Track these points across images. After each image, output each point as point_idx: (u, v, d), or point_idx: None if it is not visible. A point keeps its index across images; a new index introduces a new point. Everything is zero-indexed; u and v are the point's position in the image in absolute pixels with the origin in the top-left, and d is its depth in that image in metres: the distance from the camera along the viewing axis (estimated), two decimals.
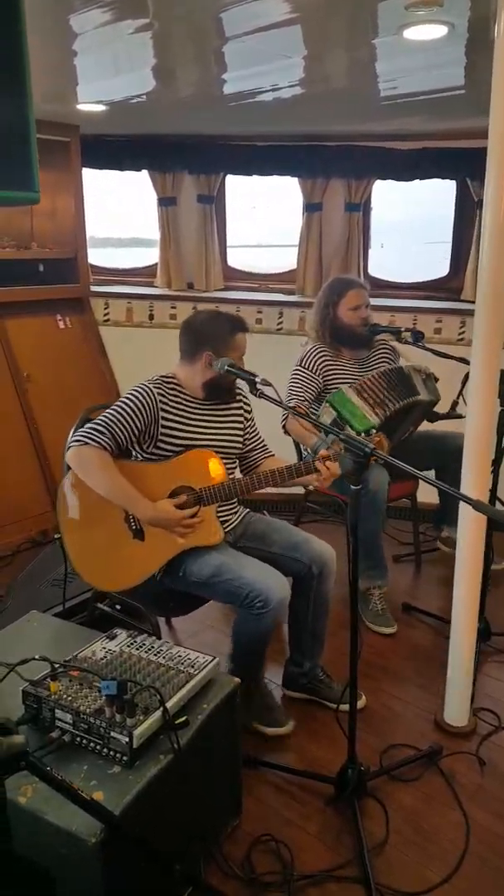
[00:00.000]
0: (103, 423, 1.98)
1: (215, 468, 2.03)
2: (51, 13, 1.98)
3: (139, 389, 2.05)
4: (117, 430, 1.98)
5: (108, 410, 2.03)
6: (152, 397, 2.04)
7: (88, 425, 2.00)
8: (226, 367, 1.98)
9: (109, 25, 2.06)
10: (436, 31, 2.01)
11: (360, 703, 2.22)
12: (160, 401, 2.05)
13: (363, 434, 2.36)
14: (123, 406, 2.02)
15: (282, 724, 2.13)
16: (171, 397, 2.08)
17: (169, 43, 2.32)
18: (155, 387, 2.06)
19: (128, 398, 2.04)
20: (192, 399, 2.12)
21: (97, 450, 1.95)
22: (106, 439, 1.96)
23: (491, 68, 2.48)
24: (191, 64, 2.63)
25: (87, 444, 1.95)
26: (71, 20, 2.05)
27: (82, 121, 3.51)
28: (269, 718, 2.13)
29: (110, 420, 1.99)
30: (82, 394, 3.62)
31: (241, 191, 4.19)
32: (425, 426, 2.89)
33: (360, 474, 1.61)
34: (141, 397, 2.03)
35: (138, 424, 2.01)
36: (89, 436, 1.96)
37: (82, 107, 3.14)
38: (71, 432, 2.26)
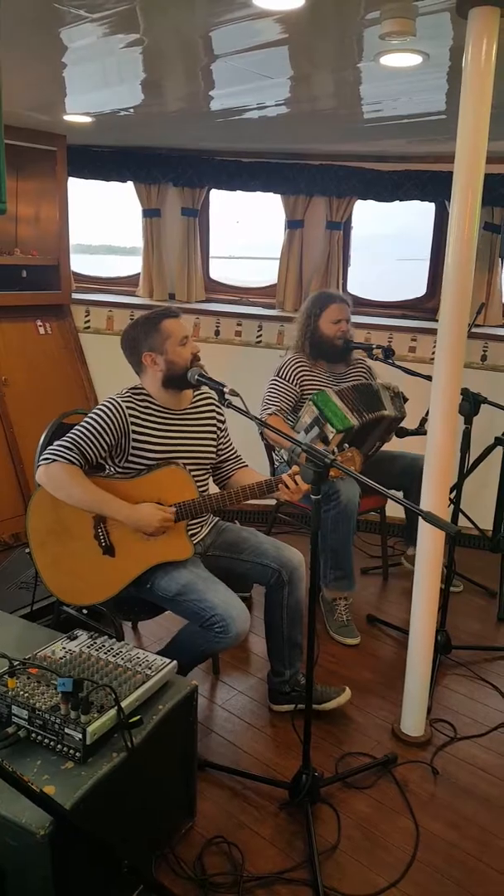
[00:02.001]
0: (71, 440, 1.99)
1: (186, 485, 2.04)
2: (42, 26, 2.03)
3: (108, 404, 2.05)
4: (86, 446, 1.98)
5: (76, 426, 2.03)
6: (121, 411, 2.04)
7: (57, 443, 2.00)
8: (196, 377, 2.02)
9: (101, 39, 2.11)
10: (410, 60, 2.09)
11: (344, 697, 2.26)
12: (130, 414, 2.05)
13: (342, 432, 2.45)
14: (92, 422, 2.02)
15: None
16: (141, 409, 2.08)
17: (158, 58, 2.38)
18: (124, 400, 2.06)
19: (96, 413, 2.04)
20: (163, 409, 2.12)
21: (66, 465, 1.95)
22: (74, 455, 1.96)
23: None
24: (179, 80, 2.69)
25: (55, 461, 1.95)
26: (62, 34, 2.10)
27: (69, 131, 3.57)
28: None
29: (78, 436, 1.99)
30: (60, 399, 3.65)
31: (225, 203, 4.26)
32: (399, 446, 2.95)
33: (319, 484, 1.66)
34: (109, 412, 2.03)
35: (107, 439, 2.01)
36: (57, 453, 1.96)
37: (69, 118, 3.20)
38: (41, 438, 2.30)
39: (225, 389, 1.92)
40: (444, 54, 2.10)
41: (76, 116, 3.17)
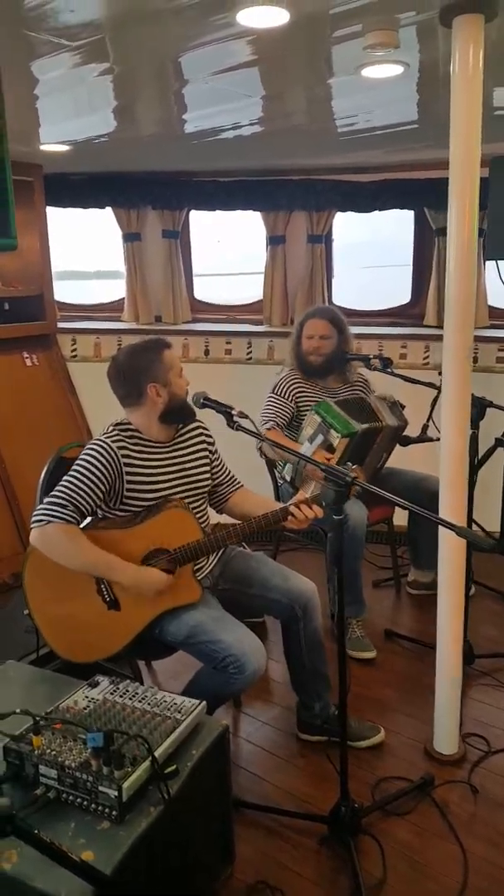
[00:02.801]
0: (64, 495, 1.84)
1: (189, 526, 1.94)
2: (13, 59, 2.00)
3: (97, 448, 1.92)
4: (80, 499, 1.85)
5: (66, 477, 1.89)
6: (112, 454, 1.91)
7: (47, 500, 1.85)
8: (202, 401, 1.96)
9: (71, 70, 2.09)
10: (392, 70, 2.09)
11: (378, 739, 2.19)
12: (122, 455, 1.93)
13: (347, 437, 2.41)
14: (83, 470, 1.88)
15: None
16: (132, 446, 1.97)
17: (129, 86, 2.36)
18: (113, 441, 1.94)
19: (86, 461, 1.90)
20: (153, 444, 2.01)
21: (63, 525, 1.82)
22: (69, 512, 1.83)
23: (442, 104, 2.60)
24: (152, 105, 2.68)
25: (50, 521, 1.82)
26: (32, 66, 2.07)
27: (45, 160, 3.53)
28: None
29: (71, 490, 1.85)
30: (52, 431, 3.58)
31: (206, 222, 4.24)
32: (408, 457, 2.92)
33: (342, 503, 1.61)
34: (100, 457, 1.90)
35: (102, 487, 1.89)
36: (50, 512, 1.82)
37: (45, 147, 3.16)
38: (42, 475, 2.21)
39: (233, 412, 1.87)
40: (416, 65, 2.10)
41: (52, 146, 3.14)
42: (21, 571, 1.95)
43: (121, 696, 1.65)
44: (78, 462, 1.92)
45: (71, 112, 2.71)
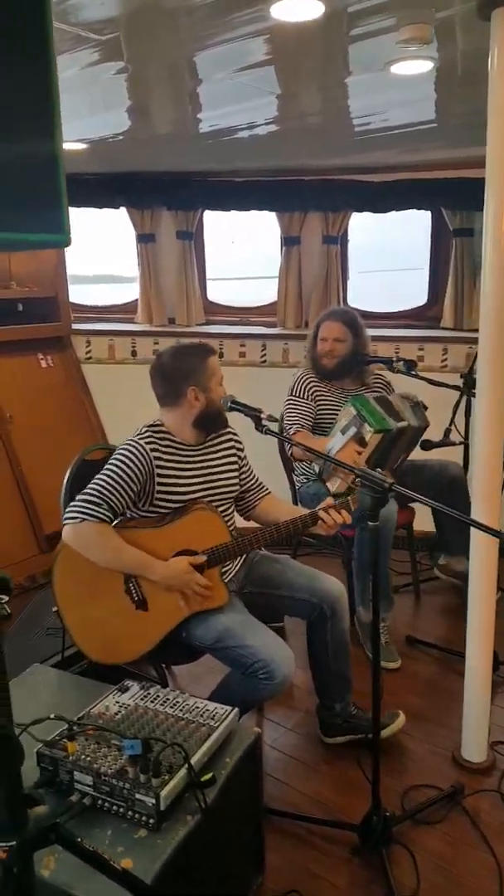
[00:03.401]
0: (97, 493, 1.85)
1: (218, 528, 1.94)
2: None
3: (130, 448, 1.93)
4: (113, 497, 1.85)
5: (99, 476, 1.89)
6: (145, 455, 1.92)
7: (80, 497, 1.86)
8: (229, 404, 1.94)
9: (89, 67, 2.06)
10: (422, 67, 2.06)
11: (399, 724, 2.16)
12: (154, 457, 1.93)
13: (380, 433, 2.38)
14: (117, 470, 1.89)
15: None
16: (163, 448, 1.97)
17: (144, 84, 2.34)
18: (147, 442, 1.94)
19: (120, 461, 1.91)
20: (185, 447, 2.01)
21: (96, 524, 1.82)
22: (103, 511, 1.83)
23: (461, 103, 2.58)
24: (167, 104, 2.66)
25: (84, 519, 1.82)
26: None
27: None
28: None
29: (105, 488, 1.86)
30: (66, 433, 3.55)
31: (220, 223, 4.22)
32: (423, 456, 2.89)
33: (377, 510, 1.58)
34: (134, 457, 1.91)
35: (134, 487, 1.89)
36: (84, 510, 1.83)
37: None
38: (65, 478, 2.19)
39: (263, 416, 1.85)
40: (436, 62, 2.07)
41: (69, 144, 3.11)
42: (51, 568, 1.94)
43: (152, 702, 1.61)
44: (111, 462, 1.92)
45: (86, 111, 2.69)
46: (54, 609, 1.95)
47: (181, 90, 2.39)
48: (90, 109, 2.66)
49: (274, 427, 1.89)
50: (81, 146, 3.15)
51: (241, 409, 1.92)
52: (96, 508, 1.83)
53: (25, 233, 0.86)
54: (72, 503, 1.87)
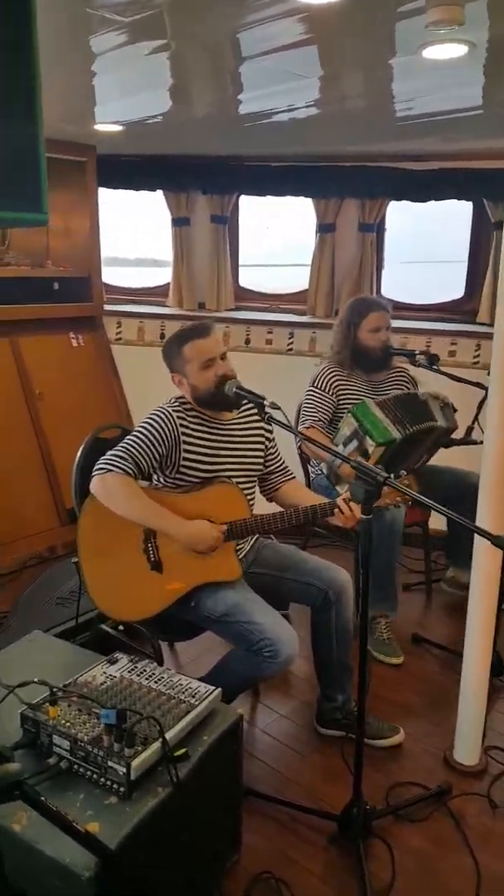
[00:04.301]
0: (125, 450, 1.94)
1: (238, 503, 1.98)
2: (71, 35, 2.00)
3: (158, 414, 2.01)
4: (140, 455, 1.94)
5: (129, 436, 1.99)
6: (172, 421, 1.99)
7: (110, 452, 1.95)
8: (234, 390, 1.95)
9: (128, 46, 2.07)
10: (456, 51, 1.99)
11: (397, 739, 2.16)
12: (181, 424, 2.00)
13: (383, 445, 2.34)
14: (144, 431, 1.98)
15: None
16: (191, 418, 2.03)
17: (185, 63, 2.33)
18: (174, 410, 2.02)
19: (148, 423, 2.00)
20: (212, 419, 2.07)
21: (121, 476, 1.91)
22: (129, 465, 1.92)
23: None
24: (207, 84, 2.64)
25: (110, 471, 1.91)
26: (91, 41, 2.06)
27: (99, 141, 3.54)
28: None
29: (132, 446, 1.95)
30: (92, 412, 3.61)
31: (255, 209, 4.20)
32: (448, 460, 2.83)
33: (370, 503, 1.57)
34: (161, 422, 1.99)
35: (160, 450, 1.97)
36: (112, 462, 1.92)
37: (100, 127, 3.17)
38: (78, 453, 2.24)
39: (266, 403, 1.84)
40: (483, 45, 1.99)
41: (107, 125, 3.14)
42: (77, 516, 2.03)
43: (138, 676, 1.65)
44: (140, 425, 2.02)
45: (127, 90, 2.69)
46: (74, 560, 2.03)
47: (222, 69, 2.37)
48: (133, 89, 2.67)
49: (278, 416, 1.87)
50: (118, 128, 3.17)
51: (246, 395, 1.92)
52: (123, 462, 1.92)
53: (1, 210, 0.88)
54: (101, 458, 1.96)
